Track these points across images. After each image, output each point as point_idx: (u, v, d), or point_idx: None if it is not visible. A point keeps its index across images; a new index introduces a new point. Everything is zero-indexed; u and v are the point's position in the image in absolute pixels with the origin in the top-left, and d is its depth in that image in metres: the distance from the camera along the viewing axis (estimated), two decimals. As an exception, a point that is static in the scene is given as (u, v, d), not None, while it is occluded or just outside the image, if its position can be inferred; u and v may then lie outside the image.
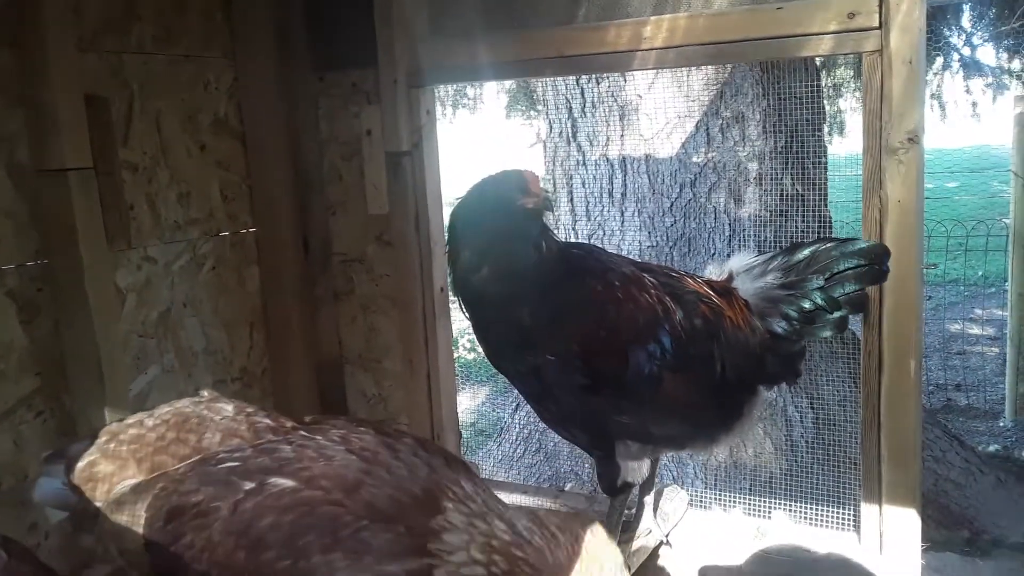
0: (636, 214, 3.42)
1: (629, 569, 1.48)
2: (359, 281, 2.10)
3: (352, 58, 2.02)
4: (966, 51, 7.13)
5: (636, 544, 1.57)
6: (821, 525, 1.88)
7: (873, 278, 1.44)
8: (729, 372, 1.42)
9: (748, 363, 1.44)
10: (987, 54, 7.34)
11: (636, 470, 1.44)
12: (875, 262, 1.43)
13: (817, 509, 1.91)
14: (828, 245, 1.46)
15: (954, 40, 7.00)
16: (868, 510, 1.61)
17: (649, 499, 1.60)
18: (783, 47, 1.62)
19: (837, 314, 1.43)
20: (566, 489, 2.30)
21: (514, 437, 3.79)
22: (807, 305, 1.43)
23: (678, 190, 3.35)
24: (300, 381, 2.08)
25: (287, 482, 0.96)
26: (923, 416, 4.20)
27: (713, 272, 1.54)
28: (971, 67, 7.18)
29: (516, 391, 1.72)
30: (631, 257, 1.75)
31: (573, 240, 3.48)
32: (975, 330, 6.25)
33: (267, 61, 2.03)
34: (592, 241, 3.50)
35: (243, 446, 1.07)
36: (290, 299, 2.06)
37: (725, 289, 1.48)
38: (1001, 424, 4.50)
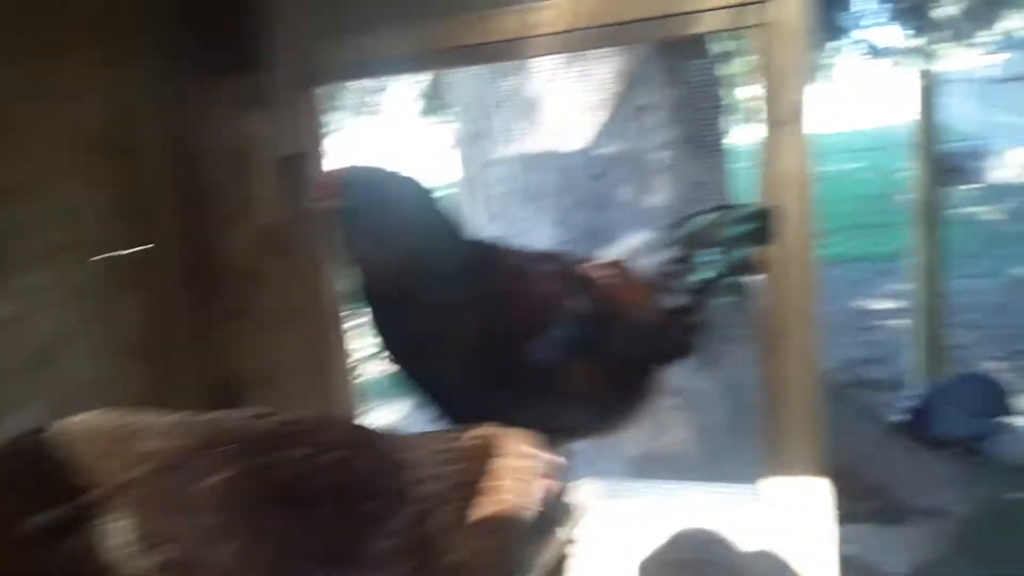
0: (549, 210, 3.42)
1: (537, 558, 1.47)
2: (255, 297, 2.02)
3: (243, 62, 1.95)
4: (870, 32, 7.37)
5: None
6: (737, 503, 1.89)
7: (763, 239, 1.46)
8: (629, 354, 1.42)
9: (647, 342, 1.44)
10: (890, 33, 7.60)
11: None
12: (765, 225, 1.45)
13: (733, 488, 1.92)
14: (718, 212, 1.48)
15: (857, 20, 7.21)
16: (777, 485, 1.64)
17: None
18: (676, 25, 1.63)
19: (732, 280, 1.45)
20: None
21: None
22: (702, 276, 1.44)
23: (589, 183, 3.37)
24: (194, 406, 1.99)
25: None
26: (833, 391, 4.33)
27: (609, 253, 1.54)
28: (874, 47, 7.42)
29: (424, 404, 1.67)
30: (529, 247, 1.72)
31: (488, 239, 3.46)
32: (882, 305, 6.49)
33: (151, 68, 1.94)
34: (507, 239, 3.48)
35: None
36: (180, 321, 1.98)
37: (620, 269, 1.48)
38: (908, 394, 4.66)
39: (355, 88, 7.88)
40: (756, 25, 1.56)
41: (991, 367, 5.11)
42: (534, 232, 3.37)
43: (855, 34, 7.13)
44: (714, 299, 1.46)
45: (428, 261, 1.30)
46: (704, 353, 1.57)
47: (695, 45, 3.25)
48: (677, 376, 3.24)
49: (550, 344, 1.37)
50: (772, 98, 1.55)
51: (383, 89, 8.13)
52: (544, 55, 2.03)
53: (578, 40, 1.67)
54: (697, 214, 1.49)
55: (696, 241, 1.46)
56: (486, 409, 1.37)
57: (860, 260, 7.72)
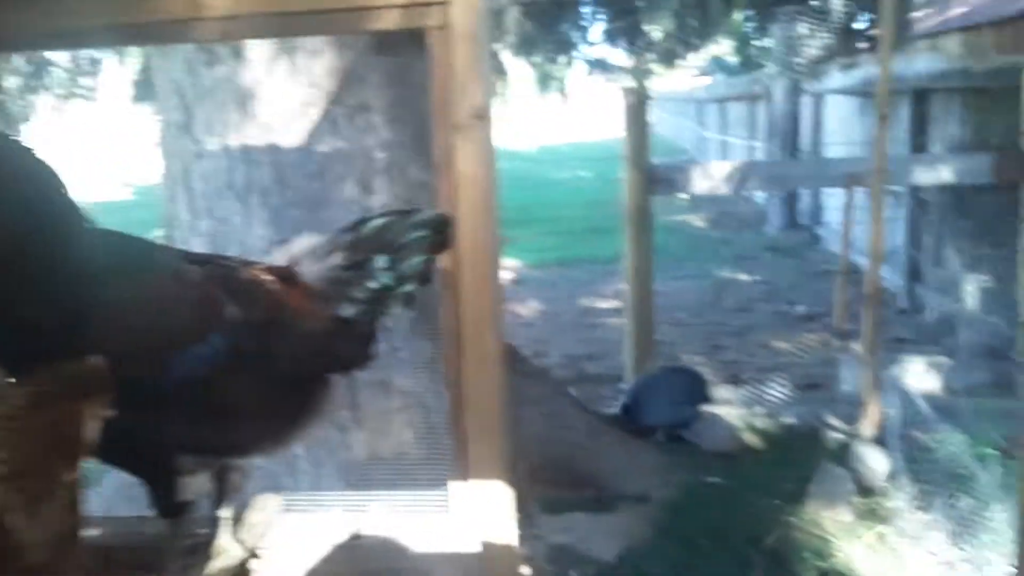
0: (260, 208, 3.24)
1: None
2: None
3: None
4: (595, 48, 7.82)
5: (214, 565, 1.42)
6: (424, 510, 1.87)
7: (438, 247, 1.44)
8: (294, 365, 1.33)
9: (315, 353, 1.36)
10: (610, 51, 8.11)
11: (196, 485, 1.29)
12: (438, 231, 1.43)
13: (423, 494, 1.90)
14: (392, 218, 1.43)
15: (583, 36, 7.62)
16: (459, 488, 1.63)
17: (228, 513, 1.46)
18: (352, 20, 1.58)
19: (405, 289, 1.40)
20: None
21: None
22: (374, 284, 1.38)
23: (304, 182, 3.23)
24: None
25: None
26: (554, 386, 4.52)
27: (277, 257, 1.44)
28: (598, 62, 7.89)
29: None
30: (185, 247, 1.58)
31: (195, 247, 3.23)
32: (604, 304, 6.93)
33: None
34: (215, 239, 3.27)
35: None
36: None
37: (287, 275, 1.38)
38: (622, 387, 5.01)
39: (66, 69, 7.07)
40: (435, 27, 1.54)
41: (693, 361, 5.63)
42: (244, 231, 3.18)
43: (583, 49, 7.56)
44: (388, 308, 1.41)
45: (43, 256, 1.12)
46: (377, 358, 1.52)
47: (414, 46, 3.23)
48: (400, 378, 3.23)
49: (205, 354, 1.25)
50: (451, 102, 1.54)
51: (97, 72, 7.36)
52: (212, 39, 1.90)
53: (250, 27, 1.56)
54: (370, 218, 1.43)
55: (369, 246, 1.40)
56: (119, 428, 1.22)
57: (588, 262, 8.23)
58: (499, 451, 1.62)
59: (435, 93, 1.59)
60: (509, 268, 8.12)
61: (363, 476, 2.76)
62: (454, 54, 1.54)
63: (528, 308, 6.84)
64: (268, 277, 1.36)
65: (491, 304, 1.58)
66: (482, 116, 1.57)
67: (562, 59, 7.31)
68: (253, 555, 1.56)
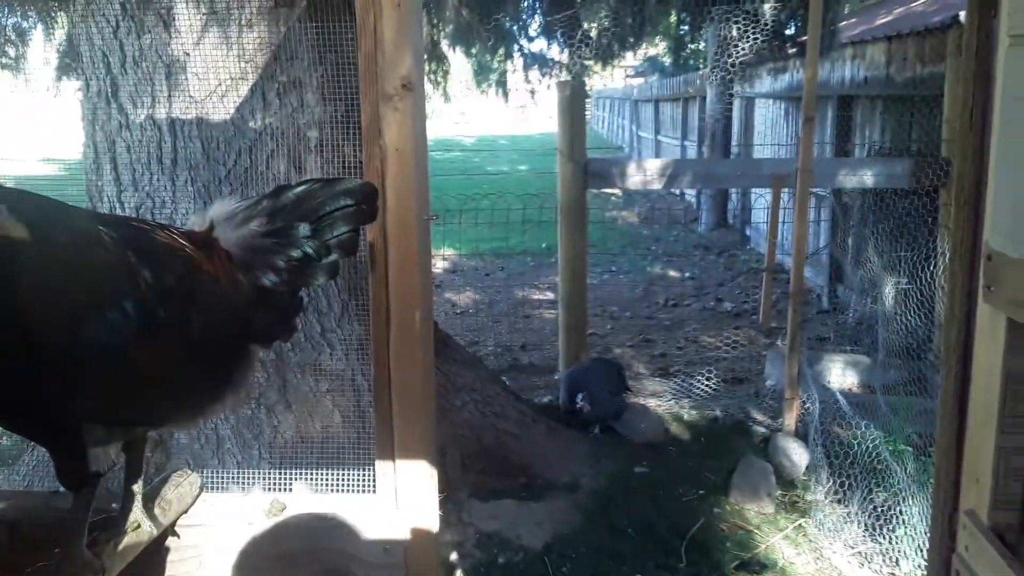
0: (189, 183, 3.14)
1: (106, 572, 1.29)
2: None
3: None
4: (535, 42, 7.80)
5: (124, 541, 1.37)
6: (345, 490, 1.84)
7: (363, 218, 1.40)
8: (211, 334, 1.28)
9: (233, 322, 1.31)
10: (548, 45, 8.10)
11: (104, 457, 1.23)
12: (363, 202, 1.39)
13: (342, 474, 1.87)
14: (315, 186, 1.39)
15: (524, 29, 7.57)
16: (383, 468, 1.60)
17: (138, 487, 1.40)
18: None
19: (328, 259, 1.37)
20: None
21: None
22: (296, 253, 1.34)
23: (234, 157, 3.14)
24: None
25: None
26: (488, 375, 4.51)
27: (195, 223, 1.39)
28: (530, 57, 7.87)
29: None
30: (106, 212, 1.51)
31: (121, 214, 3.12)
32: (538, 296, 6.95)
33: None
34: (142, 213, 3.16)
35: None
36: None
37: (205, 241, 1.33)
38: (555, 377, 5.02)
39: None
40: (363, -5, 1.51)
41: (625, 354, 5.68)
42: (173, 206, 3.07)
43: (522, 42, 7.53)
44: (312, 278, 1.38)
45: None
46: (299, 331, 1.48)
47: (346, 23, 3.17)
48: (330, 360, 3.16)
49: (117, 320, 1.19)
50: (380, 71, 1.51)
51: (24, 43, 7.01)
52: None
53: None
54: (291, 186, 1.39)
55: (291, 214, 1.36)
56: (26, 396, 1.15)
57: (523, 254, 8.28)
58: (425, 431, 1.60)
59: (362, 62, 1.56)
60: (444, 257, 8.10)
61: (289, 457, 2.69)
62: (381, 21, 1.51)
63: (463, 297, 6.81)
64: (185, 242, 1.31)
65: (419, 280, 1.56)
66: (411, 86, 1.54)
67: (500, 51, 7.27)
68: (171, 533, 1.50)
